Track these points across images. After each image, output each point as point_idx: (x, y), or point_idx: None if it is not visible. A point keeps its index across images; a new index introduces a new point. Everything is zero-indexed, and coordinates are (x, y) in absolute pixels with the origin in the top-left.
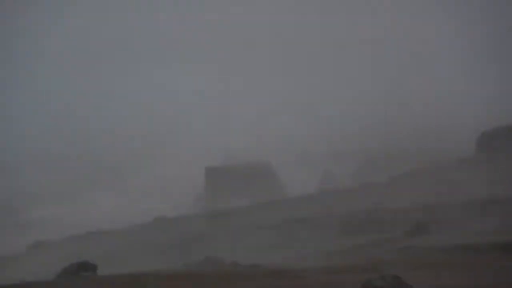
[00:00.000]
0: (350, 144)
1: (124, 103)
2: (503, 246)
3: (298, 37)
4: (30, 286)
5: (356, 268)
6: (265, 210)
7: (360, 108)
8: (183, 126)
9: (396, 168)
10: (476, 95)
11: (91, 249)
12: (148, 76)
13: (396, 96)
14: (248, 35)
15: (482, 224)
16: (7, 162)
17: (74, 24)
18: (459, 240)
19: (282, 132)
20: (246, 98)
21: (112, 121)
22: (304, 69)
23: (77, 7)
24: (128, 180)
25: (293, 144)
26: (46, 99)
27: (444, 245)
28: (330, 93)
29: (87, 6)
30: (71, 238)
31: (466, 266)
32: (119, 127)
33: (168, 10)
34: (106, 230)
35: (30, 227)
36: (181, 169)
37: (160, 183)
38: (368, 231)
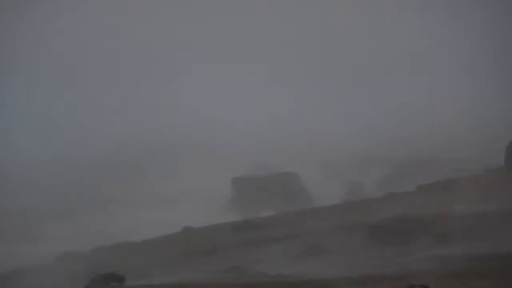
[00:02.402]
0: (376, 153)
1: (145, 112)
2: None
3: (317, 41)
4: None
5: (384, 279)
6: (292, 220)
7: (386, 117)
8: (208, 136)
9: (424, 177)
10: (506, 102)
11: (119, 260)
12: (170, 83)
13: (423, 104)
14: (266, 40)
15: (511, 233)
16: (25, 173)
17: (75, 27)
18: (487, 249)
19: (308, 141)
20: (271, 108)
21: (136, 130)
22: (328, 78)
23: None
24: (154, 190)
25: (319, 153)
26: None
27: (473, 254)
28: (355, 101)
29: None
30: (99, 248)
31: (495, 275)
32: (142, 134)
33: (187, 20)
34: (134, 241)
35: (56, 238)
36: (207, 179)
37: (187, 193)
38: (396, 241)
